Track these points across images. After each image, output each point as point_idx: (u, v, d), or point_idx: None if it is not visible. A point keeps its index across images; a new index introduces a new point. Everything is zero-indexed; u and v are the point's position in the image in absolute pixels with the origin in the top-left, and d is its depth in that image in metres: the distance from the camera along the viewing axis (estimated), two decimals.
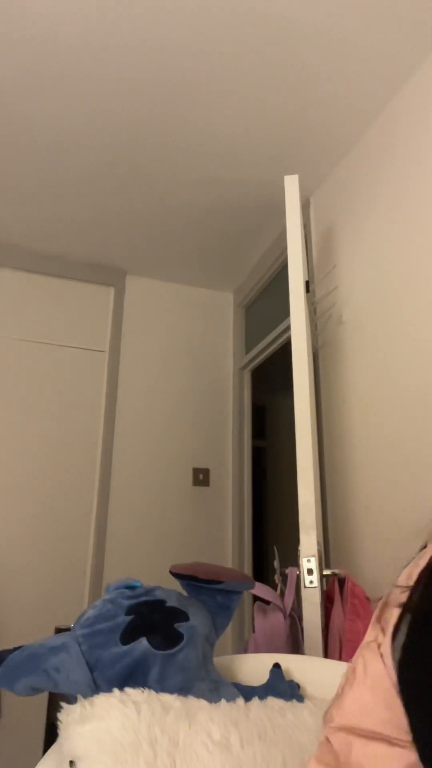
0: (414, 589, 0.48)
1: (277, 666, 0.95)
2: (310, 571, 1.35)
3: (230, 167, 2.16)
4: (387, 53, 1.65)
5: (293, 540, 1.45)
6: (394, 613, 0.49)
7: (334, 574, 1.43)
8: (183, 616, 0.87)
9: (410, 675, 0.45)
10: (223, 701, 0.75)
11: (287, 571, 1.50)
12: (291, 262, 1.66)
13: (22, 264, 2.73)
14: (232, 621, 2.12)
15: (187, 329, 3.00)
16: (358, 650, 0.52)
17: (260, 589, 1.43)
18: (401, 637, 0.47)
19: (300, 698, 0.85)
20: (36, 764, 0.78)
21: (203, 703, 0.74)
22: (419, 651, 0.45)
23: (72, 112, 1.88)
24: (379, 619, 0.52)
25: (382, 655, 0.48)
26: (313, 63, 1.69)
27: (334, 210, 2.10)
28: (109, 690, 0.76)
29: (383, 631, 0.50)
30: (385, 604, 0.52)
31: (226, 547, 2.69)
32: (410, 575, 0.50)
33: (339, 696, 0.51)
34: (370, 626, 0.52)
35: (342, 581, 1.43)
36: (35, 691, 0.78)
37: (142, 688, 0.76)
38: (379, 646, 0.49)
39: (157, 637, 0.82)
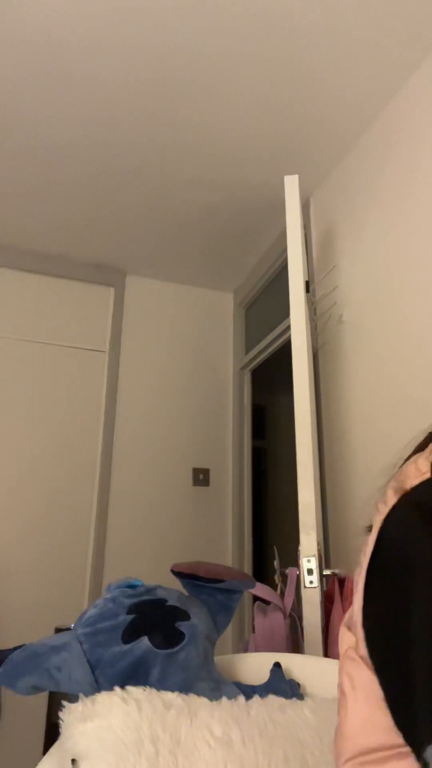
0: (367, 574, 0.46)
1: (277, 665, 0.95)
2: (310, 571, 1.35)
3: (230, 167, 2.16)
4: (387, 53, 1.65)
5: (293, 540, 1.45)
6: (356, 609, 0.47)
7: (334, 574, 1.43)
8: (184, 615, 0.88)
9: (371, 623, 0.44)
10: (224, 699, 0.76)
11: (287, 571, 1.50)
12: (291, 262, 1.66)
13: (22, 264, 2.73)
14: (232, 621, 2.12)
15: (187, 329, 3.01)
16: (339, 667, 0.49)
17: (260, 589, 1.43)
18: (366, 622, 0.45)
19: (300, 696, 0.86)
20: (37, 764, 0.78)
21: (204, 700, 0.74)
22: (374, 604, 0.44)
23: (72, 112, 1.88)
24: (348, 626, 0.49)
25: (362, 658, 0.46)
26: (313, 63, 1.69)
27: (334, 210, 2.11)
28: (110, 689, 0.76)
29: (351, 629, 0.48)
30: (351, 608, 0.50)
31: (226, 547, 2.70)
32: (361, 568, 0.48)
33: (339, 725, 0.48)
34: (341, 635, 0.50)
35: (342, 581, 1.43)
36: (36, 690, 0.79)
37: (143, 687, 0.76)
38: (356, 649, 0.47)
39: (158, 636, 0.82)
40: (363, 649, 0.45)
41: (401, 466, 0.52)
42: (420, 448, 0.54)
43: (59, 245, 2.70)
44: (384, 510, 0.47)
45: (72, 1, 1.50)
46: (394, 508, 0.46)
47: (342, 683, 0.48)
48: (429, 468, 0.47)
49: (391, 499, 0.47)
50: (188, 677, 0.81)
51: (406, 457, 0.55)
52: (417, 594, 0.40)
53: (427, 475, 0.46)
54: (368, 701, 0.44)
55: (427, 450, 0.50)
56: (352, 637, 0.48)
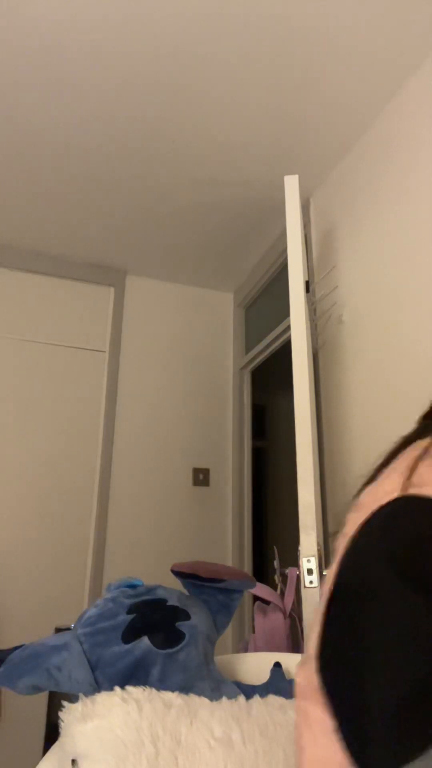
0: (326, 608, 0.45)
1: (277, 665, 0.95)
2: (310, 571, 1.35)
3: (230, 167, 2.16)
4: (387, 54, 1.65)
5: (293, 540, 1.45)
6: (311, 647, 0.46)
7: None
8: (184, 615, 0.88)
9: (329, 673, 0.43)
10: (224, 699, 0.75)
11: (287, 571, 1.50)
12: (291, 262, 1.66)
13: (22, 264, 2.73)
14: (232, 621, 2.12)
15: (187, 329, 3.01)
16: (296, 706, 0.48)
17: (260, 589, 1.43)
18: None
19: None
20: (36, 764, 0.78)
21: (204, 700, 0.74)
22: (333, 639, 0.43)
23: (72, 113, 1.88)
24: (303, 665, 0.48)
25: (316, 694, 0.45)
26: (313, 63, 1.69)
27: (334, 210, 2.11)
28: (110, 689, 0.76)
29: (305, 668, 0.47)
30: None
31: (226, 547, 2.70)
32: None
33: (298, 765, 0.47)
34: (296, 674, 0.49)
35: None
36: (36, 689, 0.79)
37: (143, 687, 0.76)
38: (309, 685, 0.45)
39: (158, 635, 0.82)
40: (317, 684, 0.45)
41: (356, 496, 0.52)
42: (371, 479, 0.54)
43: (59, 245, 2.70)
44: (343, 542, 0.47)
45: (72, 4, 1.50)
46: (353, 540, 0.46)
47: (298, 723, 0.47)
48: (383, 495, 0.47)
49: (351, 529, 0.47)
50: (188, 677, 0.81)
51: (359, 487, 0.55)
52: (374, 621, 0.40)
53: (382, 502, 0.46)
54: (326, 738, 0.43)
55: (381, 477, 0.50)
56: (306, 676, 0.47)
